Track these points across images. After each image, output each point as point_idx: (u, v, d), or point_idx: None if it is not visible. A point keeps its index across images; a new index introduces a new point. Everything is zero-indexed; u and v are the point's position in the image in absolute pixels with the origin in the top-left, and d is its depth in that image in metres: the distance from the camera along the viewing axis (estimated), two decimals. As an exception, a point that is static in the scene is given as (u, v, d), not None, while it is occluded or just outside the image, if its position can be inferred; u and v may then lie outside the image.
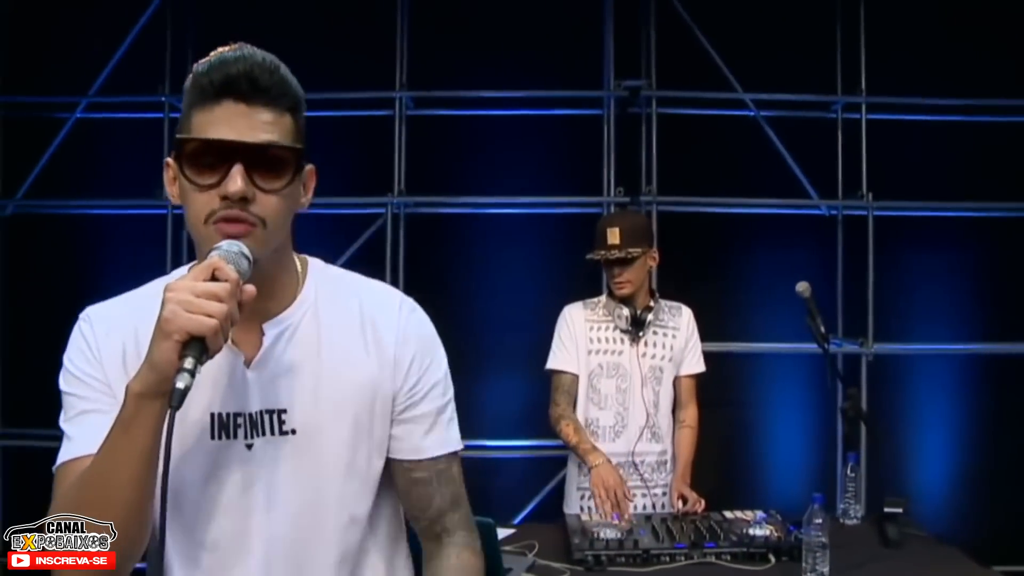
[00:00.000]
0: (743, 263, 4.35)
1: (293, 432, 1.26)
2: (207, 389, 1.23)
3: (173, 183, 1.21)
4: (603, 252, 2.97)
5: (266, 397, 1.25)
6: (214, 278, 1.06)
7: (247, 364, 1.25)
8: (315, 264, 1.38)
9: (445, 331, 4.52)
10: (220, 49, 1.18)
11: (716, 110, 4.35)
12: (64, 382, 1.25)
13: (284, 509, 1.27)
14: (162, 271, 4.33)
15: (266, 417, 1.25)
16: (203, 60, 1.17)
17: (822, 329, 2.85)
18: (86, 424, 1.19)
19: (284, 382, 1.26)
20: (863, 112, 4.34)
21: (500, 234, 4.50)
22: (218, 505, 1.25)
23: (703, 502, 2.89)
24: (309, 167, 1.27)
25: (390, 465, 1.36)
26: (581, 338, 3.06)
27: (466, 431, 4.20)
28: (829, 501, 2.91)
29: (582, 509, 2.98)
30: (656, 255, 3.10)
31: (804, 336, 3.01)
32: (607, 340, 3.06)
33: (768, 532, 2.57)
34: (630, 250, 2.94)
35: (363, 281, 1.42)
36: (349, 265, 4.31)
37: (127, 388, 1.08)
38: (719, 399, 3.93)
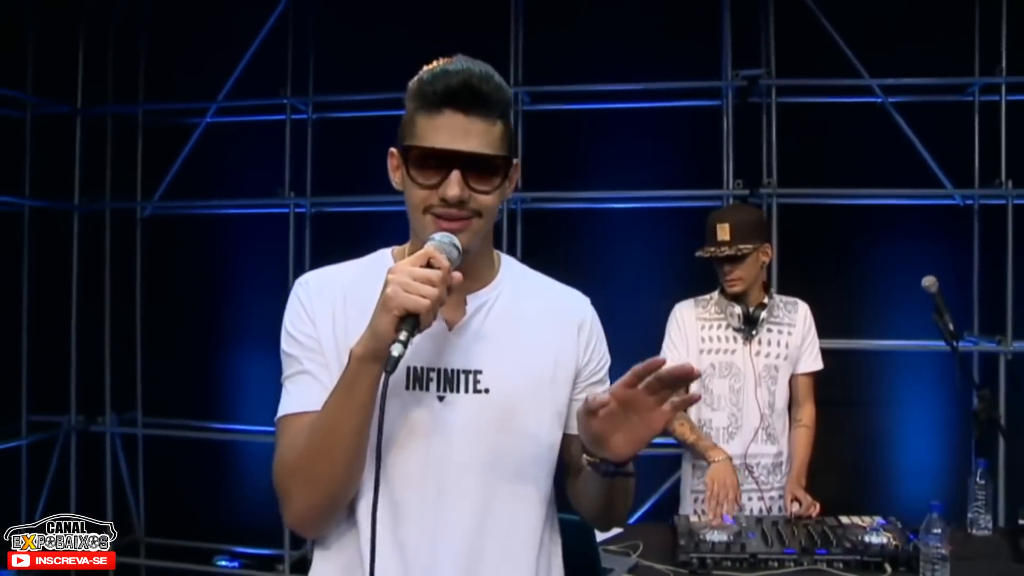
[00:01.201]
0: (869, 257, 4.13)
1: (487, 391, 1.40)
2: (410, 348, 1.31)
3: (396, 171, 1.40)
4: (712, 249, 2.89)
5: (464, 358, 1.40)
6: (429, 265, 1.23)
7: (449, 329, 1.41)
8: (507, 256, 1.56)
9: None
10: (442, 60, 1.34)
11: (840, 97, 4.16)
12: (284, 342, 1.42)
13: (470, 457, 1.38)
14: (285, 267, 4.53)
15: (462, 376, 1.40)
16: (427, 68, 1.34)
17: (950, 326, 2.70)
18: (303, 381, 1.38)
19: (482, 347, 1.41)
20: (1003, 94, 4.05)
21: (617, 229, 4.45)
22: (407, 447, 1.37)
23: (818, 506, 2.78)
24: (515, 161, 1.41)
25: (566, 440, 1.49)
26: (692, 337, 3.00)
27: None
28: (959, 510, 2.78)
29: (694, 512, 2.93)
30: (769, 251, 3.01)
31: (934, 333, 2.86)
32: (719, 339, 2.98)
33: (885, 540, 2.44)
34: (741, 246, 2.86)
35: (547, 277, 1.59)
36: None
37: (351, 352, 1.26)
38: (841, 398, 3.78)
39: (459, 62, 1.33)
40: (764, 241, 2.97)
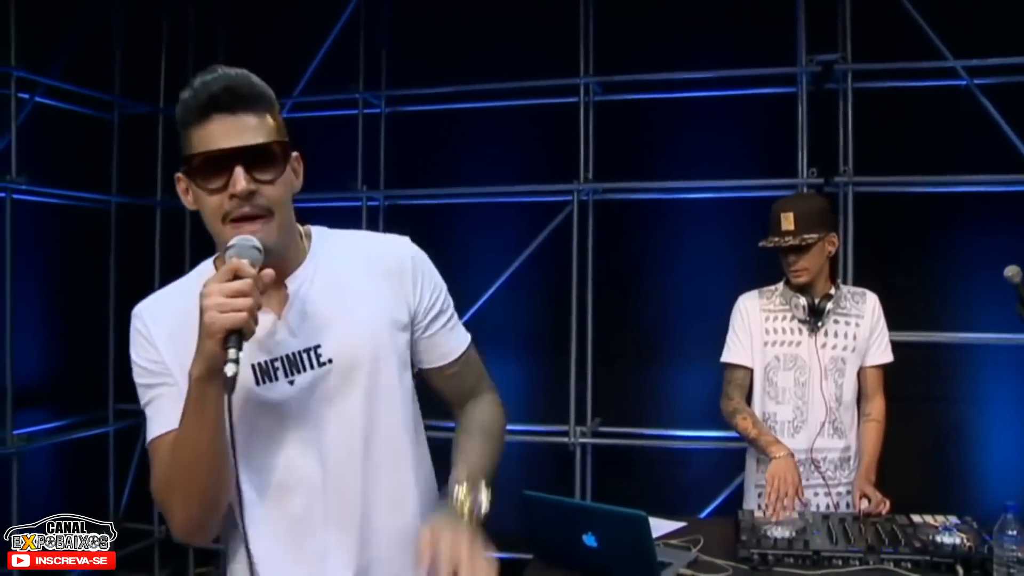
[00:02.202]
0: (948, 247, 3.98)
1: (331, 361, 1.46)
2: (248, 347, 1.36)
3: (187, 193, 1.43)
4: (776, 239, 2.82)
5: (301, 338, 1.46)
6: (236, 277, 1.26)
7: (279, 317, 1.46)
8: (318, 229, 1.59)
9: (635, 319, 4.51)
10: (199, 75, 1.37)
11: (921, 81, 4.00)
12: (135, 374, 1.47)
13: (335, 428, 1.46)
14: None
15: (303, 355, 1.46)
16: (186, 88, 1.37)
17: (1034, 318, 2.58)
18: (160, 405, 1.43)
19: (313, 322, 1.47)
20: (1101, 73, 3.85)
21: (690, 220, 4.39)
22: (278, 438, 1.45)
23: (888, 503, 2.68)
24: (295, 154, 1.46)
25: (424, 373, 1.63)
26: (756, 329, 2.93)
27: (656, 421, 4.18)
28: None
29: (759, 507, 2.86)
30: (836, 240, 2.91)
31: (1017, 326, 2.72)
32: (784, 331, 2.91)
33: (958, 540, 2.32)
34: (805, 236, 2.77)
35: (362, 232, 1.68)
36: (538, 253, 4.43)
37: (190, 375, 1.29)
38: (918, 393, 3.66)
39: (214, 71, 1.36)
40: (830, 230, 2.88)
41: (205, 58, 4.85)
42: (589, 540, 2.28)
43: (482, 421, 1.66)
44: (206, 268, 1.53)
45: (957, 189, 3.95)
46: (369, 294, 1.52)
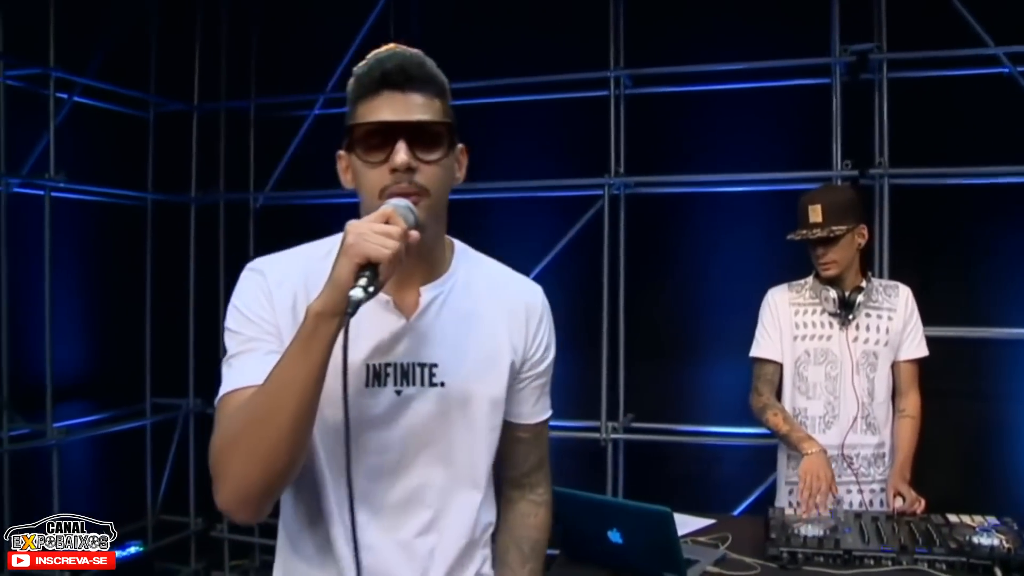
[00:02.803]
0: (987, 240, 3.86)
1: (442, 384, 1.43)
2: (367, 343, 1.39)
3: (347, 171, 1.43)
4: (804, 231, 2.78)
5: (420, 351, 1.42)
6: (387, 223, 1.24)
7: (406, 323, 1.42)
8: (460, 244, 1.56)
9: (667, 314, 4.48)
10: (375, 51, 1.38)
11: (959, 70, 3.89)
12: (233, 321, 1.38)
13: (427, 449, 1.43)
14: None
15: (418, 369, 1.42)
16: (361, 63, 1.37)
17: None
18: (249, 360, 1.33)
19: (437, 340, 1.44)
20: None
21: (723, 213, 4.33)
22: (368, 444, 1.40)
23: (923, 502, 2.63)
24: (460, 145, 1.45)
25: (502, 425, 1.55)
26: (786, 323, 2.90)
27: (689, 416, 4.14)
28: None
29: (790, 504, 2.83)
30: (865, 231, 2.85)
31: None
32: (814, 324, 2.87)
33: (997, 541, 2.27)
34: (833, 228, 2.73)
35: (502, 266, 1.61)
36: (569, 248, 4.42)
37: (307, 309, 1.24)
38: (954, 389, 3.59)
39: (393, 51, 1.37)
40: (859, 222, 2.83)
41: (238, 56, 4.91)
42: (614, 536, 2.27)
43: (533, 559, 1.62)
44: (334, 239, 1.40)
45: (996, 181, 3.84)
46: (496, 328, 1.50)
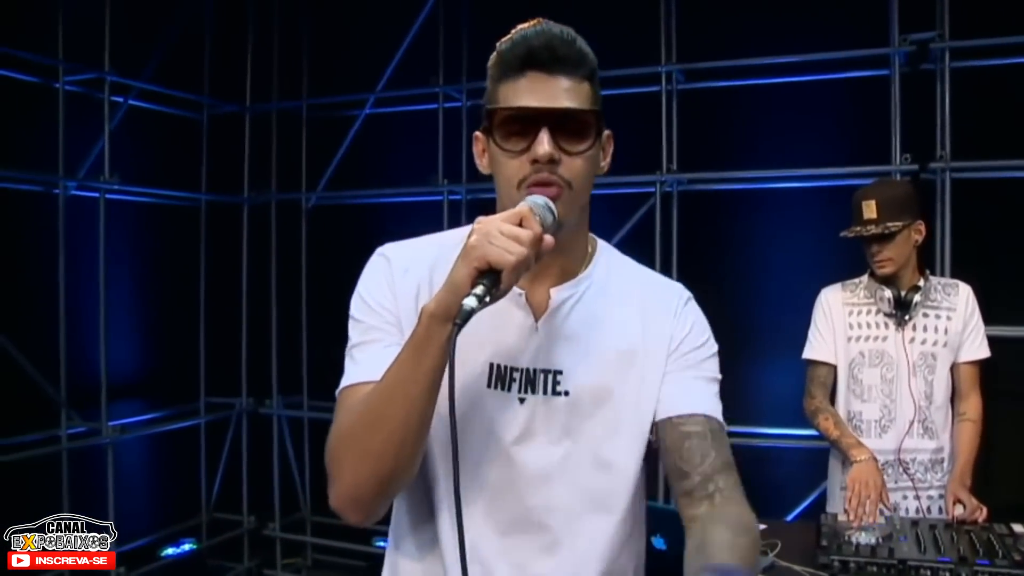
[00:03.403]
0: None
1: (566, 394, 1.31)
2: (493, 340, 1.30)
3: (483, 155, 1.33)
4: (858, 228, 2.68)
5: (546, 357, 1.31)
6: (520, 225, 1.13)
7: (535, 323, 1.32)
8: (604, 244, 1.45)
9: (720, 313, 4.34)
10: (521, 26, 1.28)
11: (1024, 58, 3.74)
12: (356, 309, 1.33)
13: (546, 462, 1.30)
14: None
15: (542, 376, 1.31)
16: (506, 38, 1.28)
17: None
18: (373, 352, 1.27)
19: (564, 346, 1.32)
20: None
21: (778, 210, 4.23)
22: (485, 450, 1.30)
23: (984, 510, 2.50)
24: (607, 132, 1.34)
25: (660, 429, 1.34)
26: (839, 324, 2.80)
27: (741, 418, 4.03)
28: None
29: (844, 510, 2.73)
30: (923, 228, 2.73)
31: None
32: (869, 325, 2.76)
33: (1063, 553, 2.18)
34: (889, 224, 2.62)
35: (647, 269, 1.50)
36: (620, 247, 4.34)
37: (422, 309, 1.15)
38: (1018, 391, 3.43)
39: (540, 26, 1.27)
40: (916, 218, 2.71)
41: (289, 57, 4.94)
42: (658, 543, 2.20)
43: None
44: (469, 231, 1.24)
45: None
46: (630, 328, 1.35)
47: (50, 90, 4.06)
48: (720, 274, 4.32)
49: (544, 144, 1.21)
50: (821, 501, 3.62)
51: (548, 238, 1.15)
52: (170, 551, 4.54)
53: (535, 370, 1.31)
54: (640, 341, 1.35)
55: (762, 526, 2.62)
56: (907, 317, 2.71)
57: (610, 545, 1.33)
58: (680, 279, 4.18)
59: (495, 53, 1.29)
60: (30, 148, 4.04)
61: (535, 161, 1.22)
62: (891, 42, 3.88)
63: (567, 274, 1.34)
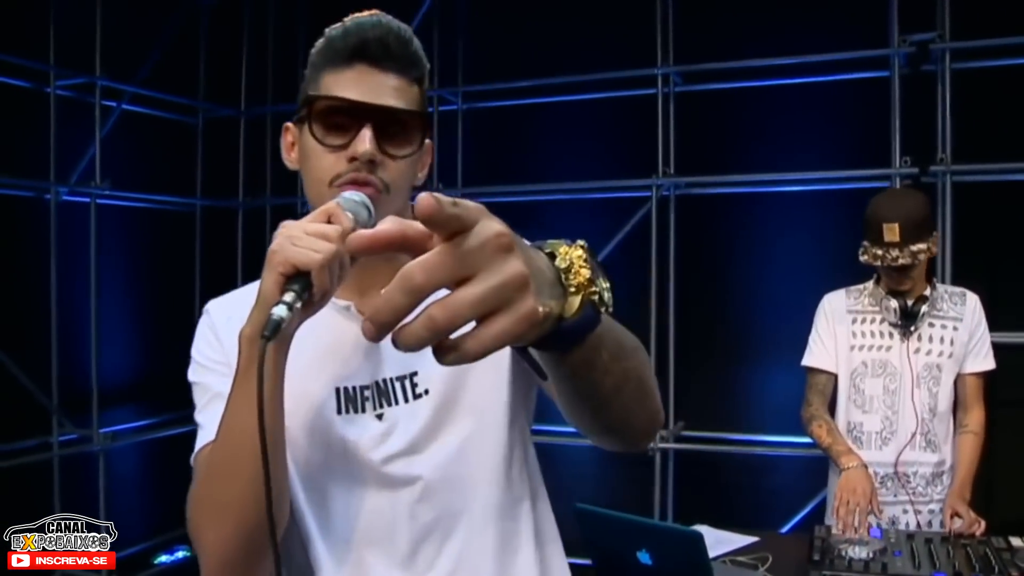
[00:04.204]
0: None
1: (427, 392, 1.21)
2: (333, 364, 1.20)
3: (292, 148, 1.23)
4: (880, 253, 2.51)
5: (395, 363, 1.20)
6: (329, 223, 1.03)
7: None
8: None
9: (718, 318, 4.31)
10: (355, 15, 1.17)
11: (1028, 59, 3.66)
12: (192, 373, 1.24)
13: (425, 477, 1.19)
14: None
15: (396, 384, 1.21)
16: (336, 25, 1.18)
17: None
18: (217, 410, 1.12)
19: None
20: None
21: (777, 214, 4.18)
22: (351, 482, 1.19)
23: (983, 523, 2.44)
24: (428, 142, 1.24)
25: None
26: (842, 332, 2.72)
27: (739, 425, 3.98)
28: None
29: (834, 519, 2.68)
30: (937, 239, 2.59)
31: None
32: (873, 334, 2.68)
33: (1062, 567, 2.12)
34: (914, 249, 2.47)
35: None
36: (618, 251, 4.32)
37: (240, 334, 1.04)
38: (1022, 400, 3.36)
39: (377, 18, 1.16)
40: (932, 231, 2.57)
41: (285, 61, 4.91)
42: (643, 557, 2.15)
43: None
44: None
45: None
46: None
47: (41, 95, 4.03)
48: (718, 279, 4.27)
49: (366, 141, 1.12)
50: (820, 510, 3.57)
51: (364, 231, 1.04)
52: (164, 558, 4.50)
53: (387, 380, 1.21)
54: None
55: (754, 539, 2.59)
56: (912, 328, 2.62)
57: (502, 532, 1.23)
58: (678, 285, 4.17)
59: (322, 39, 1.19)
60: (21, 153, 4.01)
61: (353, 159, 1.13)
62: (891, 43, 3.83)
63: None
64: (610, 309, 0.78)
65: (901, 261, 2.49)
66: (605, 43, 4.33)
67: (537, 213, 4.52)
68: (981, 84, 3.73)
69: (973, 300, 2.68)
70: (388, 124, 1.14)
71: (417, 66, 1.18)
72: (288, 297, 0.96)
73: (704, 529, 2.62)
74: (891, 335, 2.66)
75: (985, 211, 3.66)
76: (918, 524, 2.61)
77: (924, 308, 2.60)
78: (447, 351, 0.62)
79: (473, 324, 0.62)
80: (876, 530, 2.43)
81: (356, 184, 1.13)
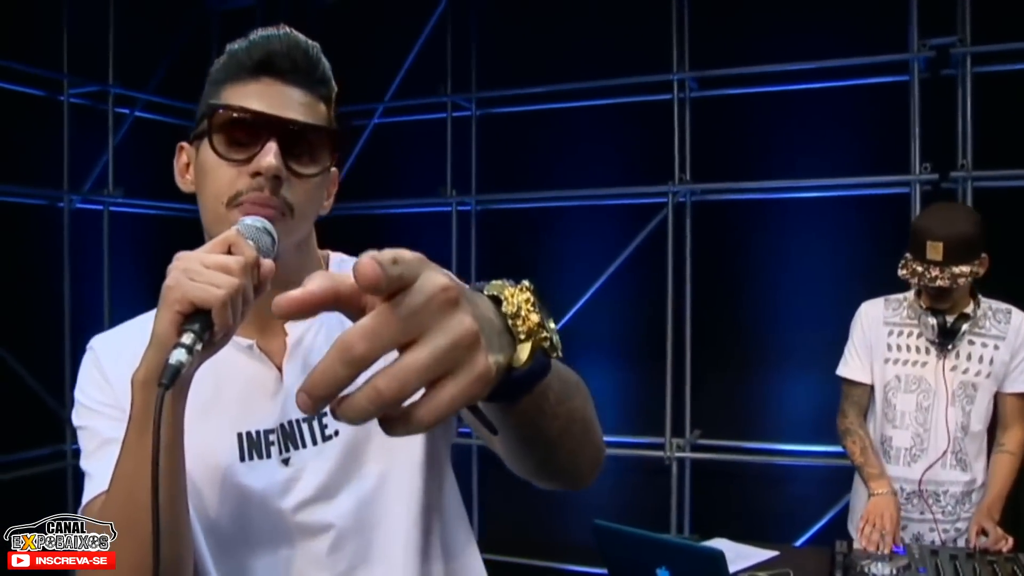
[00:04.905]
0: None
1: (336, 434, 1.12)
2: (235, 407, 1.11)
3: (186, 170, 1.15)
4: (920, 270, 2.41)
5: None
6: (229, 253, 0.94)
7: (279, 372, 1.13)
8: (337, 255, 1.27)
9: (734, 326, 4.25)
10: (261, 29, 1.11)
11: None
12: (77, 416, 1.14)
13: (337, 524, 1.11)
14: (449, 266, 4.76)
15: (304, 425, 1.12)
16: (240, 40, 1.11)
17: None
18: (108, 457, 1.02)
19: None
20: None
21: (794, 221, 4.12)
22: (260, 534, 1.11)
23: (1010, 541, 2.39)
24: (334, 170, 1.17)
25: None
26: (877, 344, 2.64)
27: (759, 434, 3.93)
28: None
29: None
30: (986, 261, 2.46)
31: None
32: (909, 348, 2.59)
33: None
34: (955, 271, 2.37)
35: None
36: (632, 258, 4.28)
37: (132, 380, 0.95)
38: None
39: (284, 31, 1.11)
40: (980, 254, 2.45)
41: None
42: (663, 574, 2.11)
43: None
44: None
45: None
46: None
47: (55, 103, 4.03)
48: (735, 286, 4.22)
49: (271, 155, 1.03)
50: (838, 520, 3.53)
51: (267, 262, 0.96)
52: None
53: (292, 422, 1.12)
54: None
55: (774, 552, 2.55)
56: (951, 345, 2.53)
57: (422, 558, 1.14)
58: (694, 292, 4.12)
59: (224, 54, 1.12)
60: (35, 161, 4.01)
61: (257, 174, 1.04)
62: (910, 47, 3.78)
63: None
64: (559, 354, 0.72)
65: (939, 283, 2.38)
66: (620, 48, 4.29)
67: (552, 220, 4.49)
68: (1003, 88, 3.67)
69: (1019, 318, 2.56)
70: (295, 140, 1.07)
71: (325, 84, 1.13)
72: (186, 339, 0.87)
73: (723, 543, 2.58)
74: (927, 351, 2.57)
75: (1008, 218, 3.59)
76: (954, 541, 2.55)
77: (965, 327, 2.50)
78: (396, 423, 0.57)
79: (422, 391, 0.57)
80: (899, 547, 2.38)
81: (257, 205, 1.04)
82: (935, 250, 2.38)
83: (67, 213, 4.03)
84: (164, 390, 0.84)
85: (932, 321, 2.51)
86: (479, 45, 4.61)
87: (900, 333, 2.62)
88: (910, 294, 2.63)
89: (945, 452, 2.54)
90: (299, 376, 1.10)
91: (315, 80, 1.11)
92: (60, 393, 3.94)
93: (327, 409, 0.98)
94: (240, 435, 1.11)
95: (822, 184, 3.97)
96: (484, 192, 4.58)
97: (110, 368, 1.13)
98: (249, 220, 1.01)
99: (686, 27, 4.19)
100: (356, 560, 1.12)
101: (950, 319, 2.51)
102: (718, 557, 1.99)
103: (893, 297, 2.68)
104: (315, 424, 1.12)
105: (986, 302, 2.59)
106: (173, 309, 0.89)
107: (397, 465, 1.14)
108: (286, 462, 1.11)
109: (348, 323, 0.95)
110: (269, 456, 1.11)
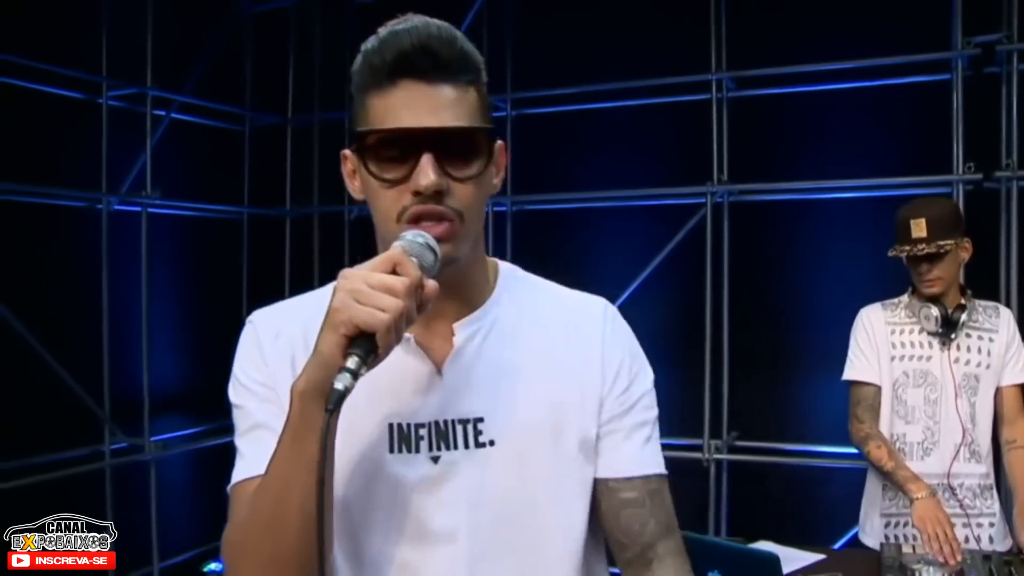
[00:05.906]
0: None
1: (492, 443, 1.11)
2: (388, 398, 1.10)
3: (353, 176, 1.12)
4: (908, 247, 2.57)
5: (459, 405, 1.11)
6: (394, 272, 0.95)
7: (437, 370, 1.11)
8: (507, 266, 1.24)
9: (773, 328, 4.22)
10: (389, 23, 1.06)
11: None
12: (233, 392, 1.14)
13: (482, 532, 1.10)
14: None
15: (459, 427, 1.11)
16: (371, 38, 1.06)
17: None
18: (258, 441, 1.07)
19: (480, 387, 1.11)
20: None
21: (834, 221, 4.09)
22: (401, 529, 1.10)
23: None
24: (499, 143, 1.12)
25: (596, 487, 1.17)
26: (882, 344, 2.69)
27: (799, 435, 3.89)
28: None
29: (886, 539, 2.61)
30: (969, 246, 2.64)
31: None
32: (912, 344, 2.66)
33: None
34: (940, 243, 2.52)
35: (559, 287, 1.27)
36: (670, 259, 4.25)
37: (292, 388, 0.98)
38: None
39: (412, 22, 1.04)
40: (963, 235, 2.62)
41: (331, 68, 4.91)
42: (714, 578, 2.10)
43: None
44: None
45: None
46: (560, 362, 1.15)
47: (94, 106, 4.06)
48: (773, 287, 4.19)
49: (428, 173, 1.00)
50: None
51: (431, 283, 0.97)
52: (213, 566, 4.50)
53: (448, 422, 1.10)
54: (573, 372, 1.16)
55: (821, 556, 2.52)
56: (952, 336, 2.62)
57: None
58: (732, 293, 4.09)
59: (360, 56, 1.06)
60: (74, 164, 4.04)
61: (418, 192, 1.01)
62: (953, 45, 3.72)
63: (468, 307, 1.14)
64: None
65: (926, 250, 2.52)
66: (657, 48, 4.27)
67: (589, 220, 4.48)
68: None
69: (1007, 313, 2.72)
70: (449, 146, 1.03)
71: (469, 68, 1.05)
72: (351, 363, 0.90)
73: (768, 546, 2.56)
74: (931, 344, 2.65)
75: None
76: (967, 538, 2.54)
77: (964, 316, 2.60)
78: None
79: None
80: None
81: (427, 219, 1.03)
82: (919, 227, 2.55)
83: (105, 215, 4.05)
84: (329, 415, 0.90)
85: (934, 312, 2.59)
86: (514, 45, 4.60)
87: (902, 331, 2.69)
88: (905, 296, 2.74)
89: (959, 445, 2.58)
90: (462, 377, 1.11)
91: (457, 68, 1.04)
92: (99, 394, 3.98)
93: (483, 415, 1.05)
94: (392, 426, 1.10)
95: (862, 184, 3.93)
96: (520, 193, 4.57)
97: (268, 347, 1.13)
98: (410, 235, 1.00)
99: (724, 27, 4.16)
100: (505, 560, 1.11)
101: (950, 310, 2.60)
102: (773, 561, 1.98)
103: (889, 301, 2.78)
104: (470, 428, 1.11)
105: (974, 300, 2.69)
106: (339, 332, 0.92)
107: (560, 493, 1.14)
108: (435, 460, 1.10)
109: (520, 328, 1.10)
110: (418, 451, 1.10)
